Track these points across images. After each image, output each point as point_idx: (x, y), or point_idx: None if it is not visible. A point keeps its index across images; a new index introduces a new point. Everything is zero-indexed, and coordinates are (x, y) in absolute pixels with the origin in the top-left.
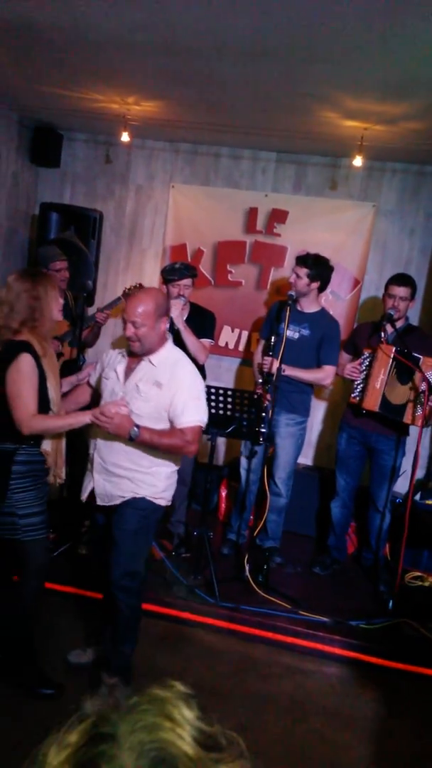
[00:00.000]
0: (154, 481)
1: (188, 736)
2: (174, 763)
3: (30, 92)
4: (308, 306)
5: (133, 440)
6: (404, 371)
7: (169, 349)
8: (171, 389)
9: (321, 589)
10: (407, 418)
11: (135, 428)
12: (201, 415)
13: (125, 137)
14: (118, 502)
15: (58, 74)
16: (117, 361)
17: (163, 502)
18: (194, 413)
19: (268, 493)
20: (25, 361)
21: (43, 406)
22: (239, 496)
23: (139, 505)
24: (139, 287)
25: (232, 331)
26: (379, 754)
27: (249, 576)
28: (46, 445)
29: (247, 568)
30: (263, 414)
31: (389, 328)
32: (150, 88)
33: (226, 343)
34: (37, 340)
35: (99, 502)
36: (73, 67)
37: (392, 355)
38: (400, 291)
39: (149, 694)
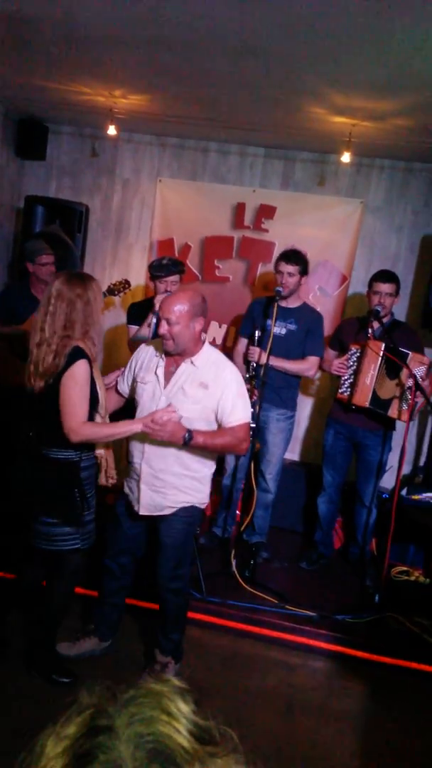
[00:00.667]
0: (201, 486)
1: (184, 729)
2: (170, 756)
3: (15, 84)
4: (292, 301)
5: (187, 445)
6: (393, 367)
7: (208, 349)
8: (218, 389)
9: (307, 583)
10: (393, 413)
11: (188, 433)
12: (248, 413)
13: (112, 131)
14: (167, 512)
15: (45, 67)
16: (155, 364)
17: (205, 505)
18: (242, 411)
19: (255, 488)
20: (82, 367)
21: (93, 411)
22: (224, 491)
23: (187, 513)
24: (125, 283)
25: (220, 326)
26: (365, 748)
27: (236, 571)
28: (100, 449)
29: (233, 563)
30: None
31: (376, 324)
32: (137, 82)
33: (214, 339)
34: (88, 345)
35: (143, 512)
36: (59, 59)
37: (381, 352)
38: (386, 287)
39: (145, 688)
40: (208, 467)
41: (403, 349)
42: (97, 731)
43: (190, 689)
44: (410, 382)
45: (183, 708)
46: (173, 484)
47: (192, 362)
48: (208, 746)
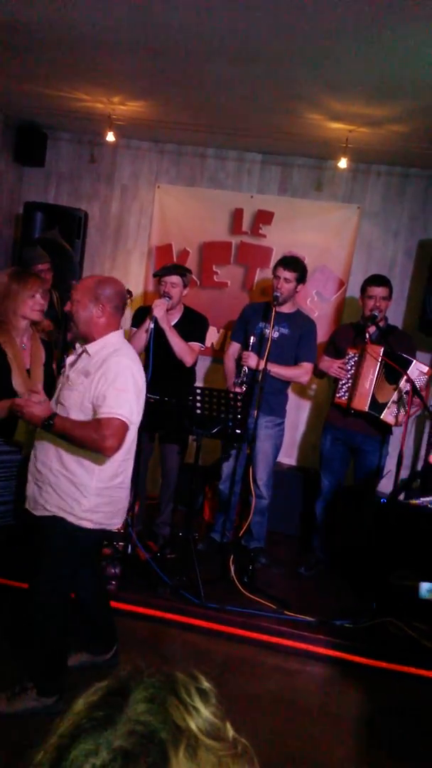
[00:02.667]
0: (78, 496)
1: (194, 723)
2: (161, 746)
3: (15, 91)
4: (287, 307)
5: (48, 429)
6: (391, 372)
7: (110, 340)
8: (96, 377)
9: (306, 589)
10: (389, 419)
11: (50, 417)
12: (121, 409)
13: (110, 137)
14: (39, 513)
15: (44, 73)
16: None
17: (88, 525)
18: (113, 404)
19: (252, 494)
20: None
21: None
22: (222, 497)
23: (59, 526)
24: (127, 293)
25: (218, 331)
26: (364, 753)
27: (234, 577)
28: (19, 437)
29: (232, 568)
30: (246, 415)
31: (372, 329)
32: (136, 88)
33: (212, 344)
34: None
35: (26, 504)
36: (58, 66)
37: (380, 357)
38: (379, 291)
39: (169, 674)
40: (89, 474)
41: (406, 356)
42: (111, 701)
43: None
44: (407, 387)
45: (198, 703)
46: (50, 481)
47: (86, 350)
48: (211, 740)
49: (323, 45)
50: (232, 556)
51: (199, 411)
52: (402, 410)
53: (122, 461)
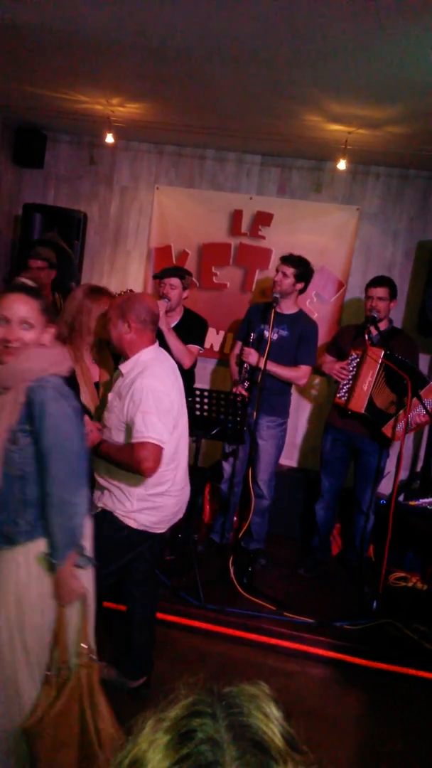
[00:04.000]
0: (125, 499)
1: (277, 731)
2: (268, 750)
3: (13, 93)
4: (287, 307)
5: (97, 454)
6: (393, 377)
7: (141, 358)
8: (127, 400)
9: (305, 590)
10: (386, 431)
11: (99, 443)
12: (149, 432)
13: (110, 139)
14: (97, 509)
15: (43, 75)
16: None
17: (133, 524)
18: (142, 429)
19: (252, 495)
20: None
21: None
22: (222, 498)
23: (108, 518)
24: (130, 293)
25: (217, 333)
26: (364, 754)
27: (234, 578)
28: None
29: (231, 570)
30: (246, 415)
31: (373, 331)
32: (135, 90)
33: (211, 345)
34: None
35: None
36: (57, 68)
37: (380, 360)
38: (378, 291)
39: (241, 689)
40: (131, 485)
41: (409, 362)
42: (198, 714)
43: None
44: (420, 411)
45: (276, 713)
46: (103, 486)
47: (121, 370)
48: (296, 753)
49: (322, 47)
50: (231, 558)
51: (198, 412)
52: (400, 426)
53: (164, 471)
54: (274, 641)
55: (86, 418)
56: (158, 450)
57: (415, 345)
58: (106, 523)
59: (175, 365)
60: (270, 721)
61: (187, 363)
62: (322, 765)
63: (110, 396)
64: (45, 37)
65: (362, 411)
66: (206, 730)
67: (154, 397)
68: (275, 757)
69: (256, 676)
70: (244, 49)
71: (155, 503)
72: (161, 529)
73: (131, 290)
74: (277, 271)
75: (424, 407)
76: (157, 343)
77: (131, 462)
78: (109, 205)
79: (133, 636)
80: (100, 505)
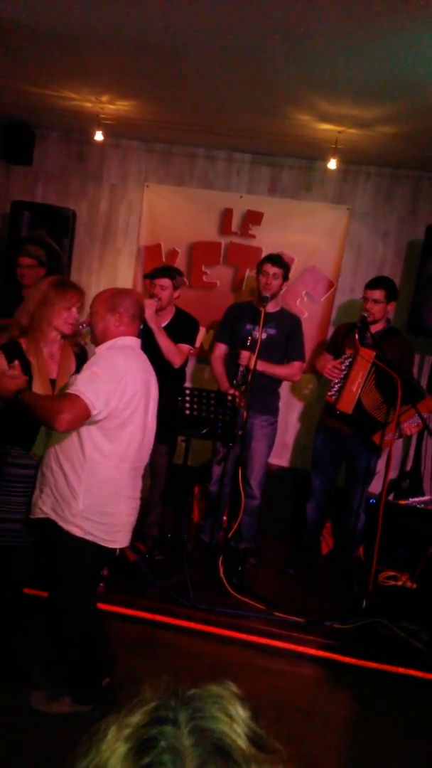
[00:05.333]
0: (70, 497)
1: (242, 732)
2: (231, 754)
3: (2, 89)
4: (272, 306)
5: (18, 402)
6: (383, 379)
7: (121, 340)
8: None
9: (295, 590)
10: (376, 439)
11: (21, 390)
12: (86, 390)
13: (99, 136)
14: (36, 515)
15: (32, 72)
16: None
17: (77, 531)
18: (81, 383)
19: (242, 495)
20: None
21: None
22: (212, 498)
23: (54, 530)
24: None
25: (207, 332)
26: (353, 753)
27: (223, 578)
28: (38, 451)
29: (221, 570)
30: (238, 414)
31: (366, 331)
32: (124, 88)
33: (201, 345)
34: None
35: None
36: (46, 64)
37: (372, 361)
38: (373, 294)
39: (206, 689)
40: (79, 473)
41: (420, 387)
42: (160, 721)
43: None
44: (412, 423)
45: (242, 713)
46: (49, 482)
47: (96, 351)
48: (263, 753)
49: (312, 46)
50: (221, 557)
51: (188, 412)
52: (398, 434)
53: (113, 467)
54: (263, 641)
55: (16, 364)
56: (84, 410)
57: (410, 346)
58: (53, 539)
59: (148, 363)
60: (235, 723)
61: (177, 362)
62: (310, 760)
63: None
64: (34, 35)
65: (350, 412)
66: (168, 738)
67: (113, 368)
68: (238, 761)
69: (245, 675)
70: (235, 48)
71: (105, 508)
72: (116, 544)
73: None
74: (265, 272)
75: (422, 419)
76: (139, 339)
77: (52, 410)
78: (98, 202)
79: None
80: (44, 510)
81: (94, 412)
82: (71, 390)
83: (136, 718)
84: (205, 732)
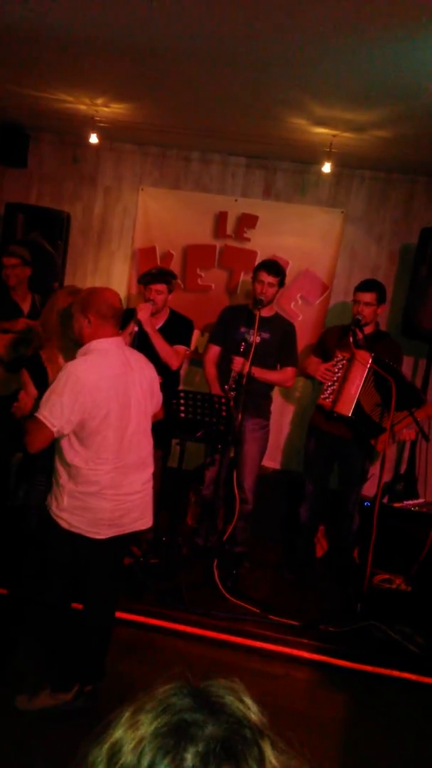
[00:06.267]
0: (58, 494)
1: (255, 716)
2: (246, 725)
3: None
4: (266, 311)
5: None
6: (381, 381)
7: (92, 345)
8: None
9: (290, 593)
10: (379, 446)
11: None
12: (45, 410)
13: (94, 139)
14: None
15: (26, 74)
16: None
17: (63, 524)
18: (41, 405)
19: (237, 499)
20: None
21: None
22: (206, 502)
23: (47, 514)
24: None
25: (202, 335)
26: (348, 757)
27: (218, 581)
28: None
29: (216, 573)
30: (232, 417)
31: (359, 334)
32: (119, 91)
33: (196, 348)
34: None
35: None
36: (41, 67)
37: (369, 364)
38: (364, 297)
39: (218, 682)
40: (64, 474)
41: (419, 392)
42: (176, 695)
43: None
44: (411, 428)
45: (251, 704)
46: (53, 477)
47: (77, 356)
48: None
49: (307, 50)
50: (215, 561)
51: (182, 415)
52: (393, 440)
53: (91, 470)
54: (258, 644)
55: (30, 390)
56: (44, 431)
57: (400, 349)
58: (47, 522)
59: (130, 358)
60: (248, 708)
61: (174, 364)
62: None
63: None
64: (29, 37)
65: (349, 414)
66: (185, 705)
67: (72, 381)
68: (254, 730)
69: (240, 679)
70: (229, 52)
71: (87, 503)
72: (100, 535)
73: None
74: (260, 280)
75: (418, 425)
76: (119, 338)
77: (25, 434)
78: (92, 205)
79: (86, 637)
80: (48, 500)
81: (54, 430)
82: (36, 413)
83: (150, 702)
84: (222, 706)
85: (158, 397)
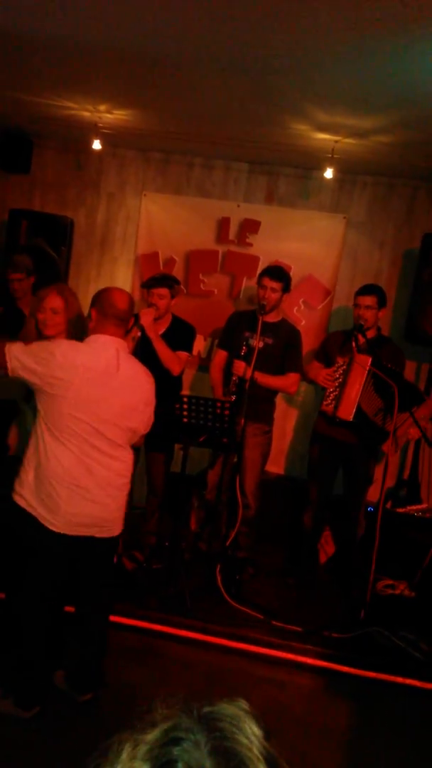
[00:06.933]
0: (21, 472)
1: (258, 753)
2: None
3: (0, 98)
4: (272, 316)
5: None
6: (381, 384)
7: (90, 337)
8: None
9: (293, 598)
10: (389, 449)
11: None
12: (15, 346)
13: (97, 145)
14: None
15: (30, 81)
16: None
17: (20, 501)
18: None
19: (240, 504)
20: None
21: None
22: (209, 506)
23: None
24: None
25: (204, 340)
26: (352, 763)
27: (221, 587)
28: None
29: (219, 578)
30: (234, 422)
31: (360, 338)
32: (122, 97)
33: (199, 353)
34: None
35: None
36: (44, 74)
37: (368, 368)
38: (366, 300)
39: (222, 708)
40: (32, 464)
41: (419, 390)
42: (178, 741)
43: (260, 716)
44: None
45: (256, 731)
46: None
47: None
48: None
49: (309, 57)
50: (219, 566)
51: (185, 420)
52: (395, 447)
53: (43, 450)
54: (261, 650)
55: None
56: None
57: (402, 354)
58: (10, 517)
59: (122, 366)
60: (253, 745)
61: (176, 369)
62: None
63: None
64: (33, 44)
65: (350, 418)
66: (186, 759)
67: (53, 345)
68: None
69: (243, 685)
70: (232, 58)
71: (42, 482)
72: (54, 525)
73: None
74: (264, 286)
75: (418, 426)
76: (118, 339)
77: None
78: (96, 211)
79: (82, 640)
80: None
81: (9, 359)
82: (7, 343)
83: (151, 736)
84: (226, 754)
85: (141, 419)
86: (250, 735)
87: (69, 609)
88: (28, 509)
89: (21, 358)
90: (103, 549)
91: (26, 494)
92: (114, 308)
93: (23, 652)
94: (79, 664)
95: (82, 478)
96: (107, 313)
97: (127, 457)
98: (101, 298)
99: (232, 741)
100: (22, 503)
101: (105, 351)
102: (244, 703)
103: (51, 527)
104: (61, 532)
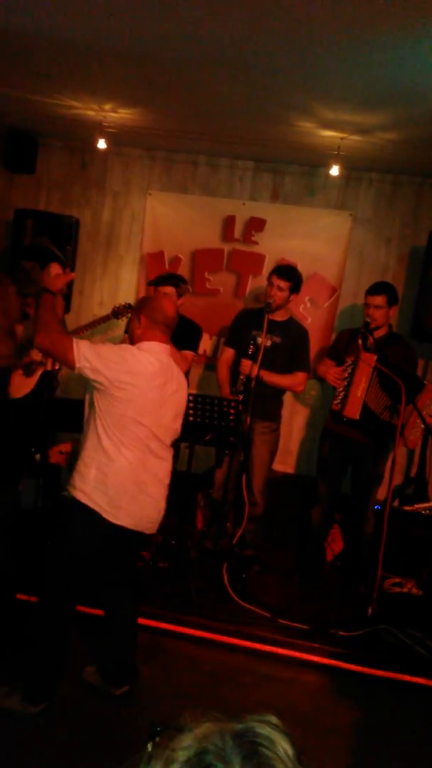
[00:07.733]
0: (83, 467)
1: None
2: None
3: (5, 97)
4: (279, 315)
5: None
6: (387, 381)
7: (144, 345)
8: None
9: (300, 597)
10: (402, 443)
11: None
12: (83, 344)
13: (102, 144)
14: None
15: (35, 80)
16: None
17: (82, 497)
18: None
19: (246, 502)
20: None
21: None
22: (215, 505)
23: (68, 503)
24: (129, 306)
25: (210, 338)
26: (358, 761)
27: (227, 585)
28: None
29: (225, 577)
30: (241, 421)
31: (369, 338)
32: (127, 96)
33: (205, 351)
34: None
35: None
36: (50, 73)
37: (374, 365)
38: (375, 300)
39: (254, 727)
40: (94, 463)
41: (405, 368)
42: (209, 765)
43: (291, 733)
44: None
45: (289, 751)
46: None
47: None
48: None
49: (314, 53)
50: (225, 564)
51: (191, 418)
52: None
53: (105, 449)
54: (268, 648)
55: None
56: (69, 341)
57: (414, 351)
58: (66, 512)
59: (173, 372)
60: (284, 765)
61: (182, 369)
62: None
63: None
64: (37, 43)
65: (357, 417)
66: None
67: (119, 349)
68: None
69: (249, 683)
70: (236, 56)
71: (108, 480)
72: (120, 521)
73: (130, 304)
74: (271, 284)
75: (420, 416)
76: (167, 346)
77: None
78: (101, 210)
79: (114, 638)
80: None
81: (76, 354)
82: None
83: (183, 754)
84: None
85: (182, 420)
86: (285, 758)
87: (92, 611)
88: (91, 504)
89: (91, 359)
90: (139, 545)
91: (88, 490)
92: (164, 315)
93: (43, 647)
94: (114, 658)
95: (143, 477)
96: (157, 320)
97: (171, 457)
98: (151, 306)
99: (265, 762)
100: (83, 499)
101: (163, 357)
102: (274, 719)
103: (114, 520)
104: (123, 525)
